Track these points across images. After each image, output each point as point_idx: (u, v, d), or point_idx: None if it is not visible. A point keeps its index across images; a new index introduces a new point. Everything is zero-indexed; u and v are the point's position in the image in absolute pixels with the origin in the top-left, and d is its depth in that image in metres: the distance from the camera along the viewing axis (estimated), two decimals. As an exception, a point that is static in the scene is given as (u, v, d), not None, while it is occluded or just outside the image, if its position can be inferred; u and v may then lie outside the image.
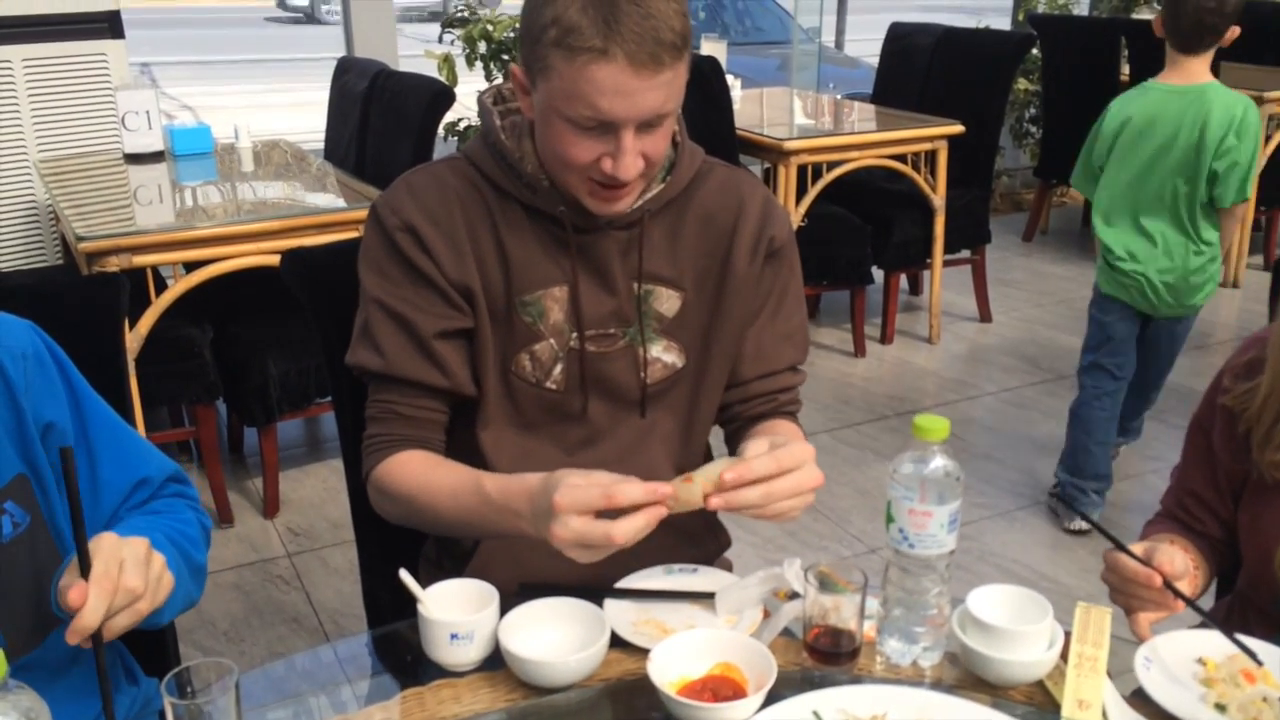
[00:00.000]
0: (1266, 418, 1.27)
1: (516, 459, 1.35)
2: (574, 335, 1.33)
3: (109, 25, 3.62)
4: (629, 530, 1.06)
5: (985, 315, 4.50)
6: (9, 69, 3.51)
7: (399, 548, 1.54)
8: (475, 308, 1.31)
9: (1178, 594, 1.16)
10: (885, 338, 4.30)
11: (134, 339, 2.63)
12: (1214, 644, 1.11)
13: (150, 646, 1.40)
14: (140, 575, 1.01)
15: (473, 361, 1.34)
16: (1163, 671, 1.08)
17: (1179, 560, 1.19)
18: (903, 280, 4.55)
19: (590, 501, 1.06)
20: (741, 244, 1.36)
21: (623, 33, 1.11)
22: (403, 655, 1.20)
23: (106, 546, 1.01)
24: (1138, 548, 1.20)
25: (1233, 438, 1.33)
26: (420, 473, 1.31)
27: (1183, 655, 1.11)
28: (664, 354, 1.37)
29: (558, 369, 1.34)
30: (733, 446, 1.45)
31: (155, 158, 3.42)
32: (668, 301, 1.36)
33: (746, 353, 1.41)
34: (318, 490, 3.22)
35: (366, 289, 1.33)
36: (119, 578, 1.00)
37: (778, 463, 1.11)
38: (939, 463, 1.08)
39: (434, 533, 1.42)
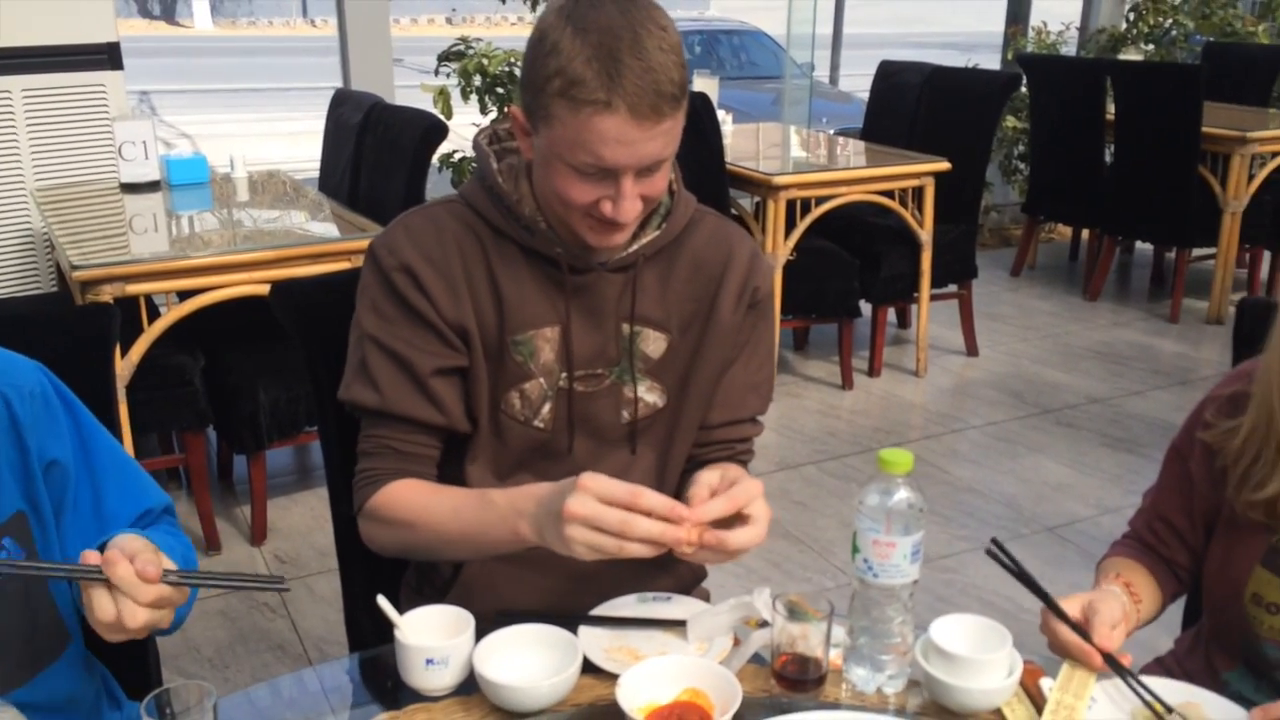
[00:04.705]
0: (1245, 459, 1.27)
1: None
2: (563, 375, 1.36)
3: (108, 57, 3.67)
4: (642, 528, 1.10)
5: (972, 349, 4.54)
6: (8, 99, 3.56)
7: (382, 575, 1.56)
8: (470, 347, 1.34)
9: (1117, 669, 1.15)
10: (873, 370, 4.34)
11: (125, 366, 2.66)
12: (1160, 688, 1.12)
13: (134, 671, 1.42)
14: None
15: (467, 398, 1.37)
16: (1105, 713, 1.10)
17: (1116, 611, 1.19)
18: (891, 314, 4.59)
19: (614, 493, 1.11)
20: (728, 292, 1.40)
21: (625, 85, 1.15)
22: (383, 680, 1.22)
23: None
24: (1075, 603, 1.19)
25: (1210, 470, 1.33)
26: (420, 497, 1.33)
27: (1129, 698, 1.12)
28: (647, 394, 1.40)
29: (546, 408, 1.37)
30: (680, 487, 1.47)
31: (151, 187, 3.46)
32: (654, 343, 1.39)
33: (716, 399, 1.44)
34: (305, 518, 3.24)
35: (363, 327, 1.35)
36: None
37: (733, 502, 1.17)
38: (903, 495, 1.12)
39: (428, 557, 1.43)
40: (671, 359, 1.40)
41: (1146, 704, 1.11)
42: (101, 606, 1.02)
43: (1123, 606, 1.22)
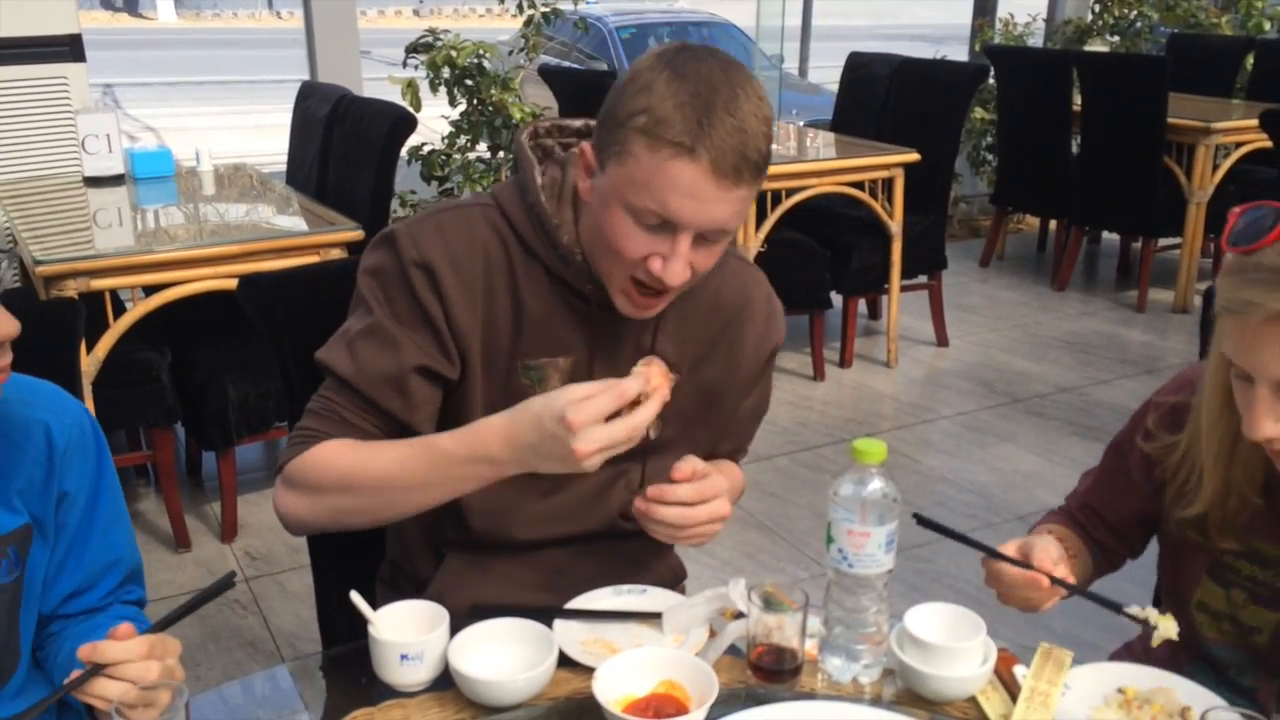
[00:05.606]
0: (1180, 477, 1.28)
1: (487, 495, 1.31)
2: None
3: (70, 49, 3.62)
4: (647, 417, 1.11)
5: (942, 340, 4.57)
6: (-32, 91, 3.50)
7: (354, 570, 1.55)
8: (467, 363, 1.30)
9: (1066, 586, 1.18)
10: (844, 361, 4.35)
11: (91, 362, 2.62)
12: (1133, 674, 1.14)
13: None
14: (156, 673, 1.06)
15: (455, 412, 1.32)
16: (1079, 698, 1.11)
17: (1054, 549, 1.21)
18: (861, 305, 4.61)
19: (605, 408, 1.09)
20: (747, 345, 1.42)
21: (713, 137, 1.11)
22: (357, 677, 1.21)
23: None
24: (1010, 547, 1.22)
25: (1150, 478, 1.34)
26: (354, 453, 1.26)
27: (1102, 684, 1.13)
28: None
29: None
30: None
31: (115, 181, 3.42)
32: None
33: (729, 431, 1.48)
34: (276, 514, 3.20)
35: (367, 305, 1.29)
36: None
37: (699, 492, 1.21)
38: (877, 485, 1.12)
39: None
40: (675, 396, 1.38)
41: (1119, 610, 1.13)
42: (108, 690, 1.03)
43: (1059, 549, 1.23)
